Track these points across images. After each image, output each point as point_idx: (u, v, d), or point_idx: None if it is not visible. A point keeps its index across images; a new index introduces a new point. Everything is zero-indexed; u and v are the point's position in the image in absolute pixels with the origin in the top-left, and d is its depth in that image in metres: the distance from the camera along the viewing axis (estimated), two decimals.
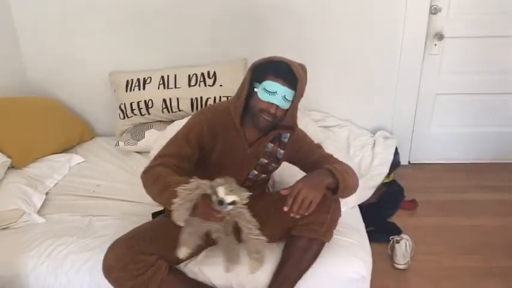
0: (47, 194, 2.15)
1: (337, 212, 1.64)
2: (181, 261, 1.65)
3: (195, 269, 1.69)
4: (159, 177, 1.47)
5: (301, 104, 1.62)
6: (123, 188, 2.20)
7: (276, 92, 1.51)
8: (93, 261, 1.71)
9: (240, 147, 1.66)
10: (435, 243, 2.23)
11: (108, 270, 1.49)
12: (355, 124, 2.81)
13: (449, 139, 2.93)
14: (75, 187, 2.22)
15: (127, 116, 2.59)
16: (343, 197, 1.62)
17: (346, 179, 1.54)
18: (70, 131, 2.63)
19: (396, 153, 2.65)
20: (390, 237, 2.15)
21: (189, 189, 1.34)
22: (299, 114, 1.67)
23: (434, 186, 2.72)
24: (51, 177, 2.26)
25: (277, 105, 1.53)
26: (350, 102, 2.81)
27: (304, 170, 1.71)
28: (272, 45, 2.60)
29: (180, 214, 1.34)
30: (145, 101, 2.54)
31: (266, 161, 1.70)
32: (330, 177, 1.51)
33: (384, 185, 2.62)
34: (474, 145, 2.93)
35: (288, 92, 1.52)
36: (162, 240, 1.57)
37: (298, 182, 1.47)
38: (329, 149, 1.79)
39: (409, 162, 2.98)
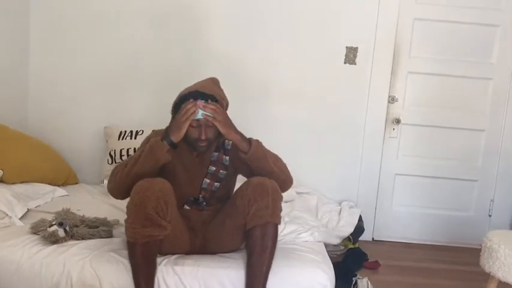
0: (28, 210, 2.24)
1: (277, 193, 1.76)
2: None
3: (167, 267, 1.76)
4: (120, 164, 1.79)
5: None
6: (103, 214, 2.30)
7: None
8: (69, 254, 1.79)
9: (189, 157, 1.88)
10: None
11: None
12: (324, 195, 3.05)
13: (409, 218, 3.14)
14: (56, 207, 2.30)
15: (115, 161, 2.79)
16: (258, 167, 1.80)
17: (262, 151, 1.78)
18: (57, 172, 2.78)
19: (360, 220, 2.86)
20: (353, 278, 2.25)
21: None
22: None
23: (394, 256, 2.88)
24: (34, 200, 2.37)
25: (203, 128, 1.73)
26: (321, 175, 3.09)
27: (250, 175, 1.85)
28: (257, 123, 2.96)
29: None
30: (134, 148, 2.77)
31: (214, 168, 1.90)
32: (245, 141, 1.77)
33: (349, 249, 2.77)
34: (430, 227, 3.14)
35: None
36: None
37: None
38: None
39: (372, 239, 3.16)
